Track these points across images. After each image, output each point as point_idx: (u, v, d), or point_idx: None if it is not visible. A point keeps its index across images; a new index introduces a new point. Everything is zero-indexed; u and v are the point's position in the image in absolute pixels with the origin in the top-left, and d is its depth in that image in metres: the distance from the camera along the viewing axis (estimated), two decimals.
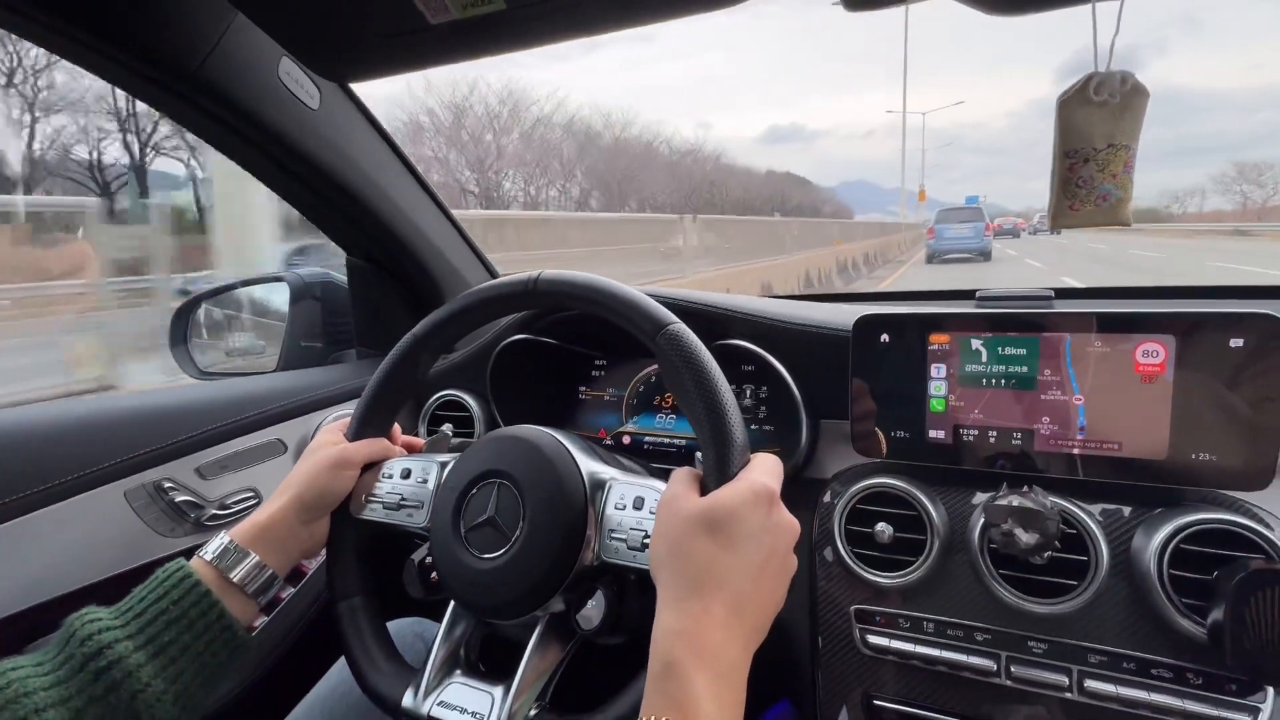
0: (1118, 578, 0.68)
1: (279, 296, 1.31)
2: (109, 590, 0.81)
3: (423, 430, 1.12)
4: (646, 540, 0.61)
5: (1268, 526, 0.63)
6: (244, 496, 0.97)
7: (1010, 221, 47.66)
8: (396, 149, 1.07)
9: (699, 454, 0.60)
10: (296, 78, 0.87)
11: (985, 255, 19.77)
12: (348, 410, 1.10)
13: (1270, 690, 0.62)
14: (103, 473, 0.82)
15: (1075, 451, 0.71)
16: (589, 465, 0.68)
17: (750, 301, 0.93)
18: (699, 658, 0.47)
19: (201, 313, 1.34)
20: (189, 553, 0.67)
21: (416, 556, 0.73)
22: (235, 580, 0.63)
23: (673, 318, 0.63)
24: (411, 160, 1.10)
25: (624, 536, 0.62)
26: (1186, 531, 0.65)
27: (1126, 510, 0.70)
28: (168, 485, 0.88)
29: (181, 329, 1.30)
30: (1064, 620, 0.68)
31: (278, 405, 1.02)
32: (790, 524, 0.55)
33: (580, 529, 0.64)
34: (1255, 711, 0.61)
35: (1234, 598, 0.58)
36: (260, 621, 0.95)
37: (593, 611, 0.63)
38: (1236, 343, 0.64)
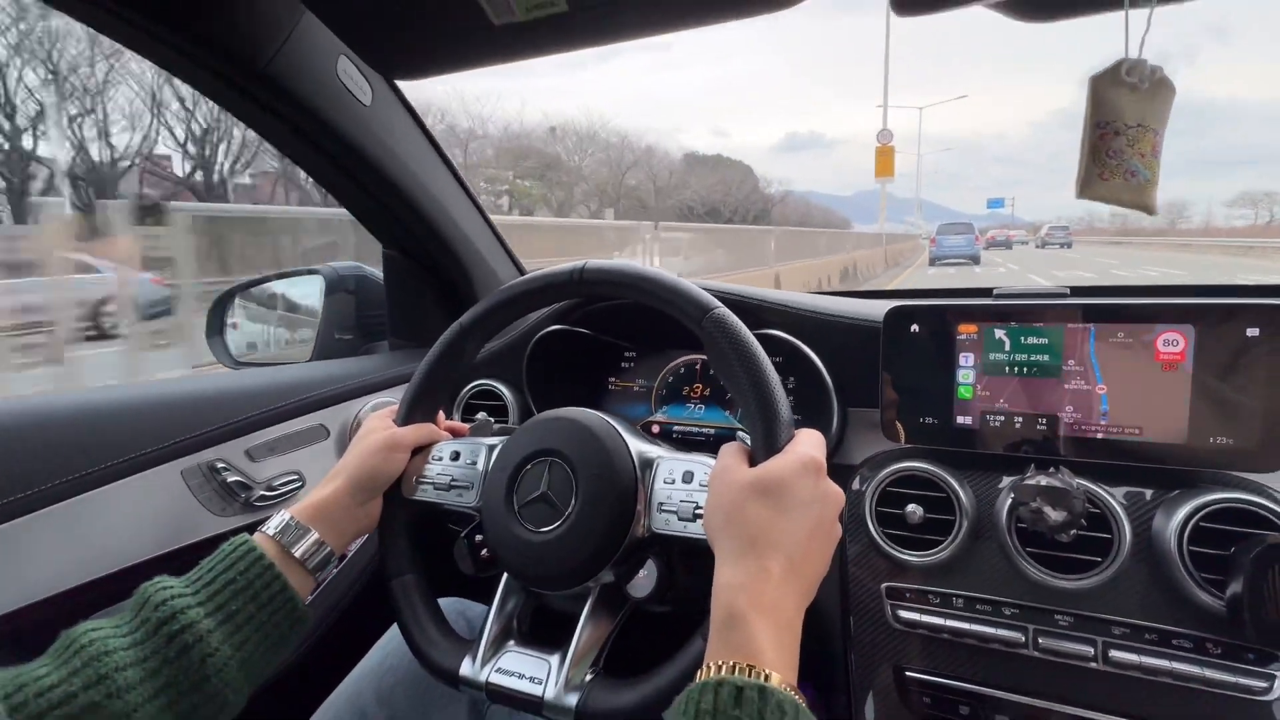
0: (1139, 555, 0.71)
1: (313, 290, 1.33)
2: (170, 564, 0.83)
3: (458, 418, 1.15)
4: (698, 511, 0.64)
5: None
6: (290, 479, 0.99)
7: (1003, 234, 47.53)
8: (438, 147, 1.10)
9: (740, 433, 0.63)
10: (352, 75, 0.90)
11: (976, 260, 24.84)
12: (387, 398, 1.13)
13: None
14: (160, 453, 0.85)
15: (1098, 436, 0.75)
16: (637, 445, 0.71)
17: (783, 294, 0.96)
18: (760, 610, 0.50)
19: (237, 304, 1.36)
20: (243, 530, 0.69)
21: (466, 534, 0.76)
22: (296, 555, 0.66)
23: (717, 302, 0.66)
24: (451, 158, 1.13)
25: (674, 509, 0.65)
26: (1205, 510, 0.68)
27: (1148, 492, 0.73)
28: (220, 466, 0.91)
29: (219, 320, 1.32)
30: (1088, 595, 0.72)
31: (318, 392, 1.05)
32: (836, 493, 0.58)
33: (631, 504, 0.67)
34: (1271, 679, 0.65)
35: (1251, 571, 0.62)
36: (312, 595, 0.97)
37: (644, 580, 0.66)
38: (1253, 332, 0.68)
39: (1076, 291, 0.86)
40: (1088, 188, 0.62)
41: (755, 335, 0.64)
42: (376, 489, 0.74)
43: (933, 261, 24.78)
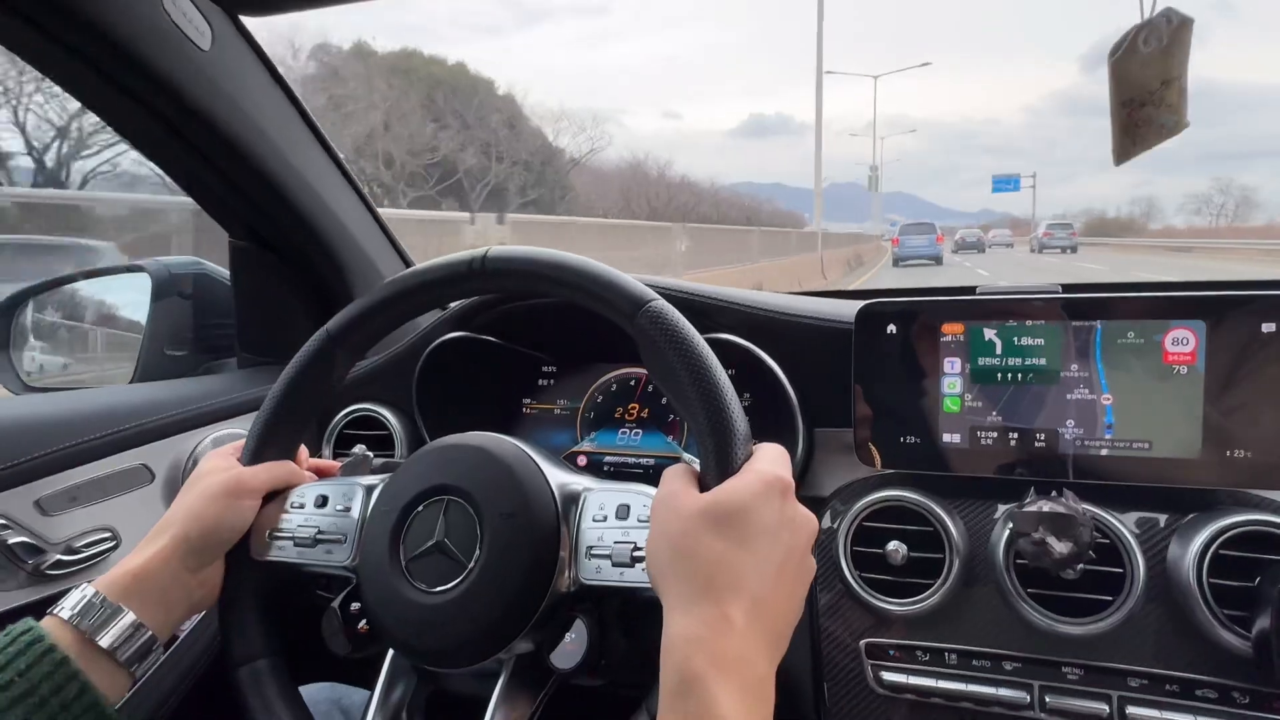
0: (1155, 591, 0.73)
1: (135, 293, 1.25)
2: None
3: (328, 454, 1.09)
4: (637, 553, 0.61)
5: None
6: (99, 538, 0.92)
7: (973, 234, 46.52)
8: (299, 104, 1.06)
9: (685, 456, 0.61)
10: (186, 11, 0.85)
11: (938, 260, 28.16)
12: (233, 429, 1.06)
13: None
14: None
15: (1104, 453, 0.76)
16: (558, 476, 0.68)
17: (737, 291, 0.96)
18: (721, 668, 0.48)
19: (29, 311, 1.26)
20: (27, 611, 0.63)
21: (339, 602, 0.71)
22: (104, 645, 0.60)
23: (654, 294, 0.64)
24: (315, 119, 1.09)
25: (607, 552, 0.63)
26: (1225, 536, 0.70)
27: (1162, 518, 0.75)
28: None
29: (3, 331, 1.22)
30: (1100, 641, 0.73)
31: (140, 423, 0.98)
32: (807, 518, 0.57)
33: (551, 550, 0.64)
34: None
35: (1278, 605, 0.64)
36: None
37: (571, 647, 0.63)
38: (1269, 327, 0.71)
39: (1069, 289, 0.89)
40: (1124, 156, 0.68)
41: (707, 340, 0.63)
42: (216, 549, 0.69)
43: (896, 262, 28.53)
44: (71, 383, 1.30)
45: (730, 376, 0.61)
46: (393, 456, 1.05)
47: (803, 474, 0.90)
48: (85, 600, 0.61)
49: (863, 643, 0.81)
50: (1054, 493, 0.73)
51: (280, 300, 1.20)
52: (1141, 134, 0.65)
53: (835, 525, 0.84)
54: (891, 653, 0.79)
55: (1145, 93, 0.64)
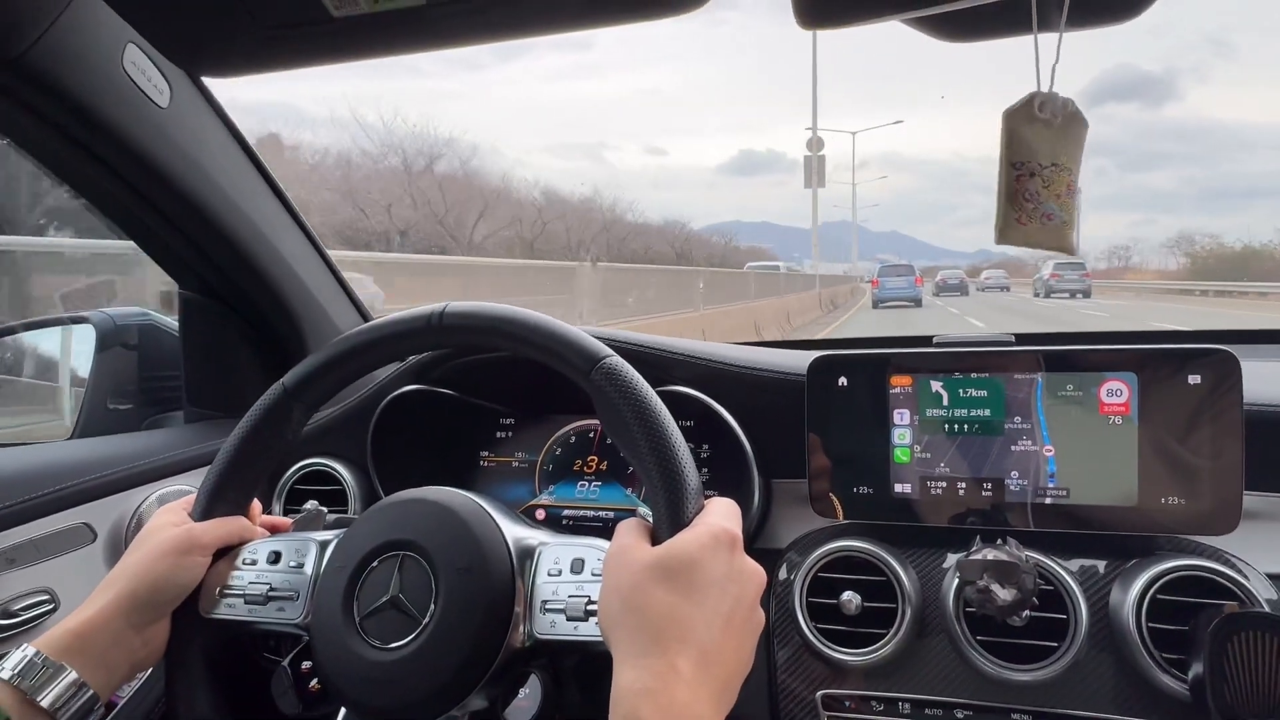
0: (1098, 636, 0.80)
1: (78, 344, 1.29)
2: None
3: (279, 510, 1.13)
4: (591, 607, 0.66)
5: (1239, 571, 0.77)
6: (36, 601, 0.94)
7: (955, 275, 44.06)
8: (256, 160, 1.11)
9: (641, 509, 0.66)
10: (144, 69, 0.91)
11: (917, 302, 29.28)
12: (180, 485, 1.09)
13: None
14: None
15: (1047, 501, 0.84)
16: (513, 530, 0.73)
17: (690, 344, 1.03)
18: (669, 719, 0.52)
19: None
20: None
21: (289, 661, 0.74)
22: (44, 705, 0.62)
23: (608, 350, 0.70)
24: (273, 174, 1.15)
25: (562, 606, 0.67)
26: (1161, 581, 0.77)
27: (1102, 564, 0.83)
28: None
29: None
30: (1047, 688, 0.79)
31: (82, 481, 1.00)
32: (755, 571, 0.62)
33: (507, 605, 0.68)
34: None
35: (1211, 646, 0.71)
36: None
37: (525, 703, 0.67)
38: (1194, 379, 0.80)
39: (1022, 339, 0.97)
40: (1006, 233, 0.73)
41: (658, 393, 0.68)
42: (163, 607, 0.71)
43: (876, 304, 29.80)
44: (9, 439, 1.32)
45: (686, 429, 0.67)
46: (346, 512, 1.08)
47: (759, 526, 0.96)
48: (26, 660, 0.63)
49: (819, 694, 0.86)
50: (999, 541, 0.80)
51: (231, 352, 1.23)
52: (1029, 210, 0.70)
53: (791, 577, 0.89)
54: (847, 704, 0.85)
55: (1035, 163, 0.69)
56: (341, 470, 1.11)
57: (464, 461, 1.15)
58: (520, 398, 1.14)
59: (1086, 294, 33.75)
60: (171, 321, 1.29)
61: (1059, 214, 0.70)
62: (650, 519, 0.64)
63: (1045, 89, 0.68)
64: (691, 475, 0.64)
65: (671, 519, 0.62)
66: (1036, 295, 36.65)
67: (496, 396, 1.15)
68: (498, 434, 1.16)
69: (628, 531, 0.63)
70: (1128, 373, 0.82)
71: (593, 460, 1.10)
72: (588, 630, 0.65)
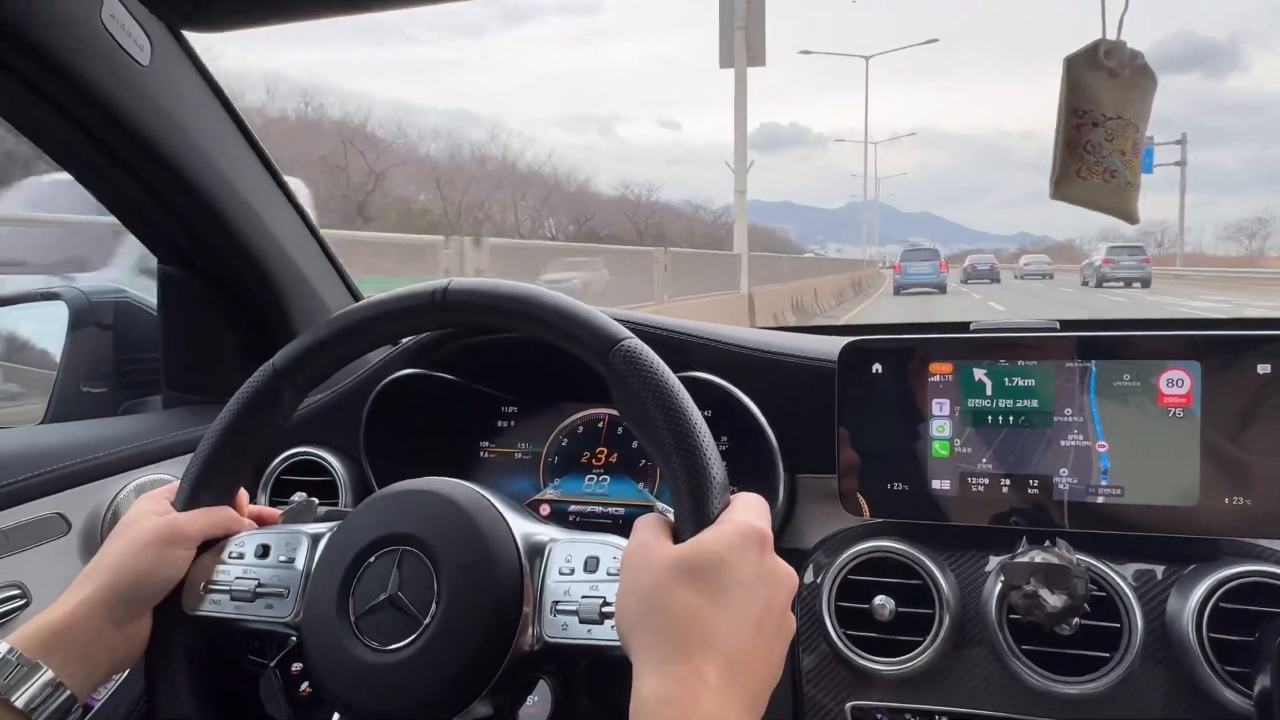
0: (1154, 647, 0.77)
1: (49, 322, 1.26)
2: None
3: (264, 502, 1.10)
4: (606, 609, 0.64)
5: None
6: (6, 595, 0.92)
7: (985, 260, 41.17)
8: (243, 126, 1.08)
9: (659, 505, 0.64)
10: (124, 23, 0.88)
11: (941, 289, 29.22)
12: (159, 474, 1.07)
13: None
14: None
15: (1099, 500, 0.81)
16: (523, 525, 0.71)
17: (711, 327, 1.00)
18: None
19: None
20: None
21: (278, 662, 0.73)
22: (18, 705, 0.61)
23: (627, 332, 0.67)
24: (260, 141, 1.12)
25: (573, 608, 0.65)
26: (1224, 588, 0.75)
27: (1160, 569, 0.80)
28: None
29: None
30: (1097, 701, 0.76)
31: (53, 468, 0.99)
32: (786, 573, 0.60)
33: (514, 605, 0.66)
34: None
35: (1279, 660, 0.68)
36: None
37: (534, 710, 0.65)
38: (1264, 368, 0.77)
39: (1068, 325, 0.94)
40: (1063, 186, 0.70)
41: (679, 379, 0.66)
42: (145, 601, 0.70)
43: (898, 290, 29.81)
44: None
45: (705, 419, 0.65)
46: (337, 505, 1.06)
47: (783, 525, 0.94)
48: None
49: (849, 706, 0.84)
50: (1047, 543, 0.78)
51: (213, 333, 1.21)
52: (1089, 163, 0.67)
53: (818, 580, 0.87)
54: (879, 717, 0.82)
55: (1098, 112, 0.66)
56: (331, 460, 1.09)
57: (462, 452, 1.12)
58: (524, 384, 1.12)
59: (1145, 283, 31.02)
60: (150, 299, 1.26)
61: (1123, 173, 0.68)
62: (670, 515, 0.62)
63: (1112, 37, 0.65)
64: (717, 467, 0.62)
65: (696, 515, 0.60)
66: (1085, 284, 33.53)
67: (499, 382, 1.12)
68: (499, 423, 1.13)
69: (648, 528, 0.61)
70: (1190, 361, 0.79)
71: (602, 452, 1.08)
72: (602, 634, 0.64)
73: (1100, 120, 0.68)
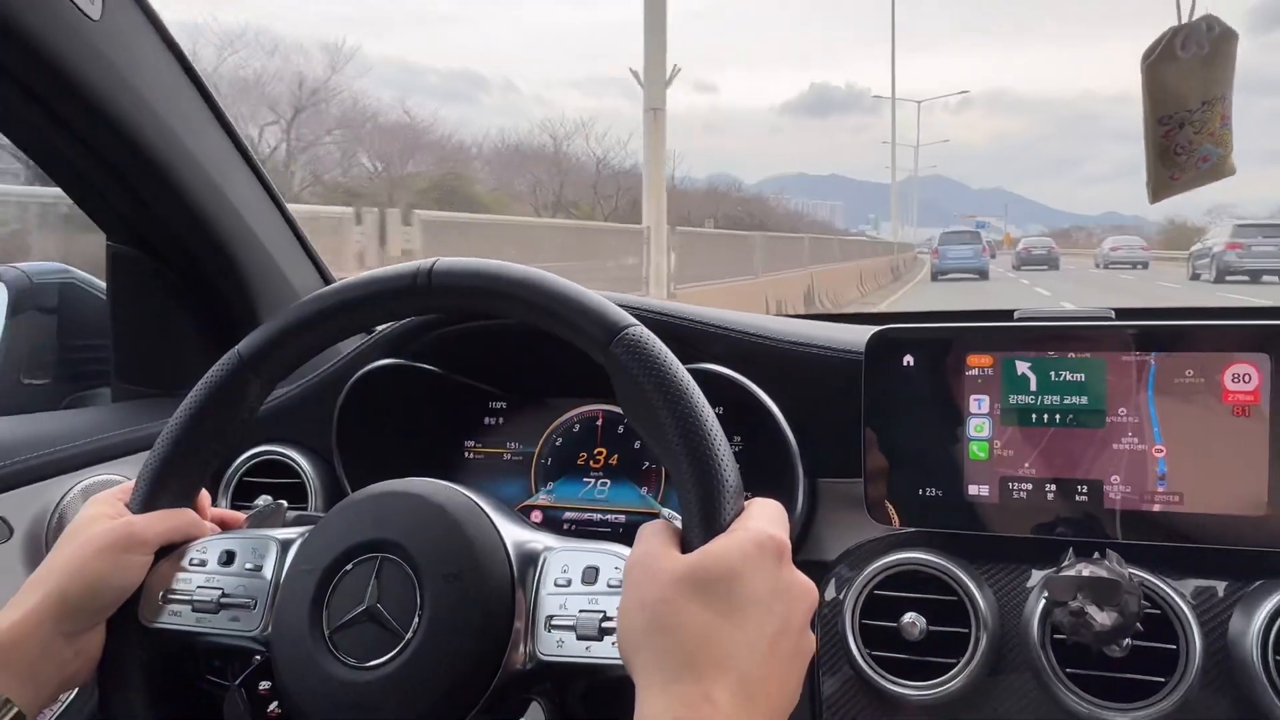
0: (1214, 670, 0.77)
1: None
2: None
3: (225, 504, 1.11)
4: (606, 623, 0.64)
5: None
6: None
7: (1042, 244, 40.19)
8: (205, 90, 1.09)
9: (664, 511, 0.65)
10: None
11: (983, 274, 30.08)
12: (108, 474, 1.07)
13: None
14: None
15: (1155, 509, 0.81)
16: (514, 532, 0.71)
17: (725, 314, 1.00)
18: None
19: None
20: None
21: (243, 680, 0.73)
22: None
23: (631, 319, 0.68)
24: (222, 105, 1.12)
25: (570, 622, 0.66)
26: None
27: (1221, 585, 0.80)
28: None
29: None
30: None
31: None
32: (806, 587, 0.60)
33: (504, 620, 0.67)
34: None
35: None
36: None
37: None
38: None
39: (1123, 314, 0.94)
40: (1160, 193, 0.74)
41: (689, 371, 0.66)
42: (98, 613, 0.71)
43: (935, 276, 30.86)
44: None
45: (717, 416, 0.65)
46: (306, 509, 1.06)
47: (803, 534, 0.94)
48: None
49: None
50: (1096, 555, 0.78)
51: (168, 318, 1.22)
52: (1181, 163, 0.70)
53: (841, 595, 0.87)
54: None
55: (1184, 110, 0.69)
56: (300, 460, 1.10)
57: (445, 452, 1.13)
58: (514, 376, 1.13)
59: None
60: (98, 281, 1.27)
61: (1215, 152, 0.70)
62: (678, 522, 0.63)
63: (1185, 19, 0.67)
64: (731, 470, 0.63)
65: (706, 522, 0.60)
66: (1196, 277, 26.97)
67: (486, 374, 1.13)
68: (486, 420, 1.14)
69: (653, 536, 0.61)
70: (1258, 353, 0.79)
71: (600, 453, 1.09)
72: (602, 651, 0.64)
73: (1186, 119, 0.71)
